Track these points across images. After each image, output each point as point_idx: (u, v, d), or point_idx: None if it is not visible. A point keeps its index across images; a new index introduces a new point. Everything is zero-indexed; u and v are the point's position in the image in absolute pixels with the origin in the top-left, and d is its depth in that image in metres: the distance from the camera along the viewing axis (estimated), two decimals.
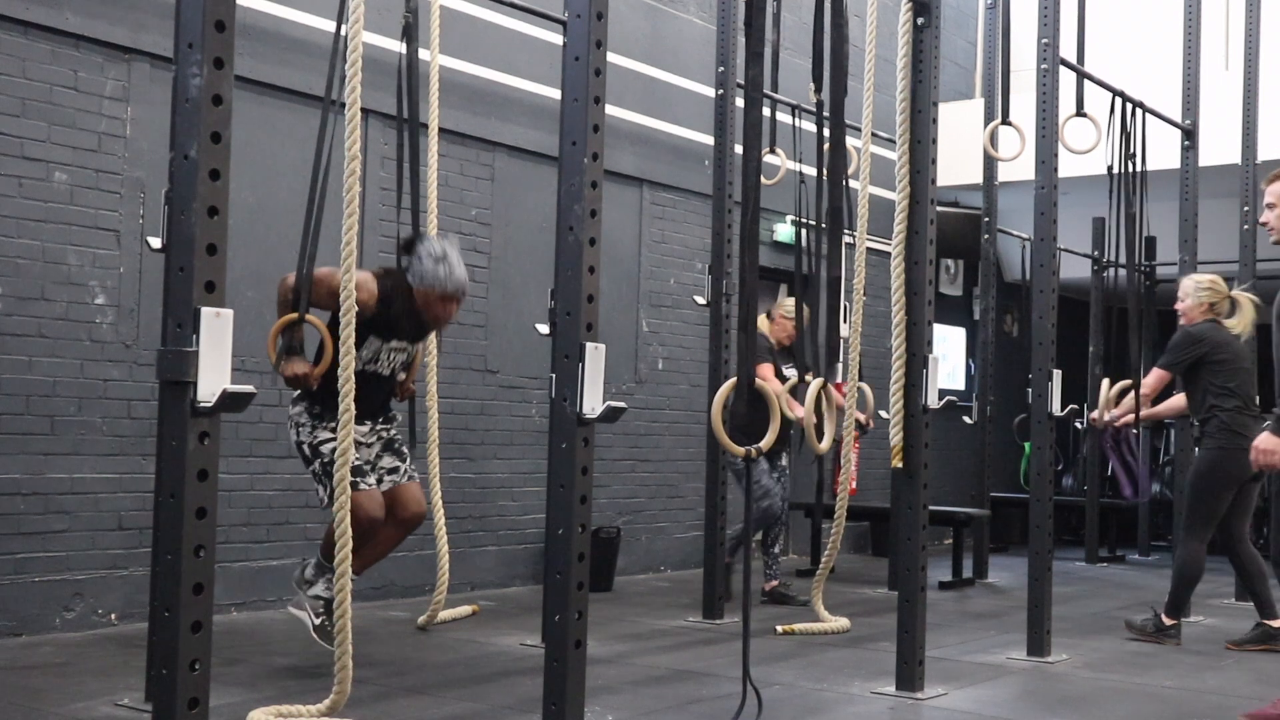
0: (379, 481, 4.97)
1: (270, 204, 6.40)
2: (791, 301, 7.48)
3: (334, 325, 4.41)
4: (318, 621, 4.86)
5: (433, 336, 5.69)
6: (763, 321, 7.14)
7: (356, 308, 4.24)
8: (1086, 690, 5.08)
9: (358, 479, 4.69)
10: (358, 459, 4.83)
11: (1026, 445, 8.09)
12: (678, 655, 5.70)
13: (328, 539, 4.75)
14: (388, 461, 5.04)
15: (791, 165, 7.45)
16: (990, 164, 8.89)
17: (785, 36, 7.30)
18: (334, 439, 4.44)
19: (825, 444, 5.31)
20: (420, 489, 5.16)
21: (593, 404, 3.67)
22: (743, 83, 5.04)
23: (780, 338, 7.21)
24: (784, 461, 7.34)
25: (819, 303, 5.76)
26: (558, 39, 6.14)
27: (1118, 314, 8.46)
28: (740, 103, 5.73)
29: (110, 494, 5.84)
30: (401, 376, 5.18)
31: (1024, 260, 10.09)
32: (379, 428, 5.05)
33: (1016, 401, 9.76)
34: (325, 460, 4.73)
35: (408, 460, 5.13)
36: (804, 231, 7.01)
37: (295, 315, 4.45)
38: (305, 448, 4.82)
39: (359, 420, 4.85)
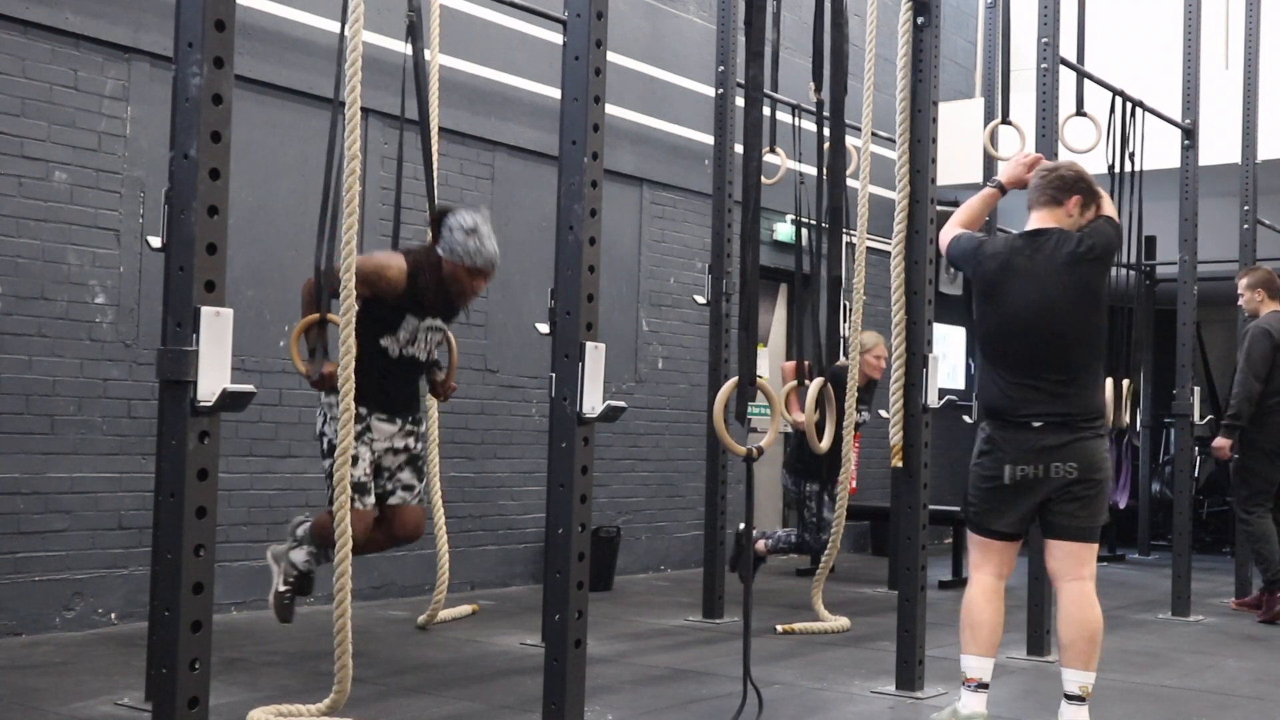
0: (389, 494, 4.90)
1: (270, 203, 6.40)
2: (873, 338, 7.34)
3: (361, 319, 4.30)
4: (283, 589, 4.85)
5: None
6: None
7: (369, 293, 4.36)
8: None
9: (356, 495, 4.59)
10: (364, 476, 4.72)
11: None
12: (678, 655, 5.69)
13: (321, 522, 4.73)
14: (406, 477, 4.95)
15: (792, 165, 7.44)
16: (990, 164, 8.87)
17: (785, 36, 7.28)
18: (355, 439, 4.38)
19: (825, 443, 5.31)
20: (424, 514, 5.12)
21: (593, 403, 3.67)
22: (743, 82, 5.04)
23: (860, 379, 6.65)
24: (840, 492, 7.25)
25: (819, 302, 5.76)
26: (558, 39, 6.13)
27: (1118, 314, 8.45)
28: (740, 102, 5.73)
29: (110, 494, 5.84)
30: (440, 376, 5.13)
31: None
32: (408, 428, 4.93)
33: None
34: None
35: (424, 481, 5.10)
36: (804, 230, 7.00)
37: (316, 316, 4.43)
38: (325, 441, 4.76)
39: (389, 418, 4.84)
